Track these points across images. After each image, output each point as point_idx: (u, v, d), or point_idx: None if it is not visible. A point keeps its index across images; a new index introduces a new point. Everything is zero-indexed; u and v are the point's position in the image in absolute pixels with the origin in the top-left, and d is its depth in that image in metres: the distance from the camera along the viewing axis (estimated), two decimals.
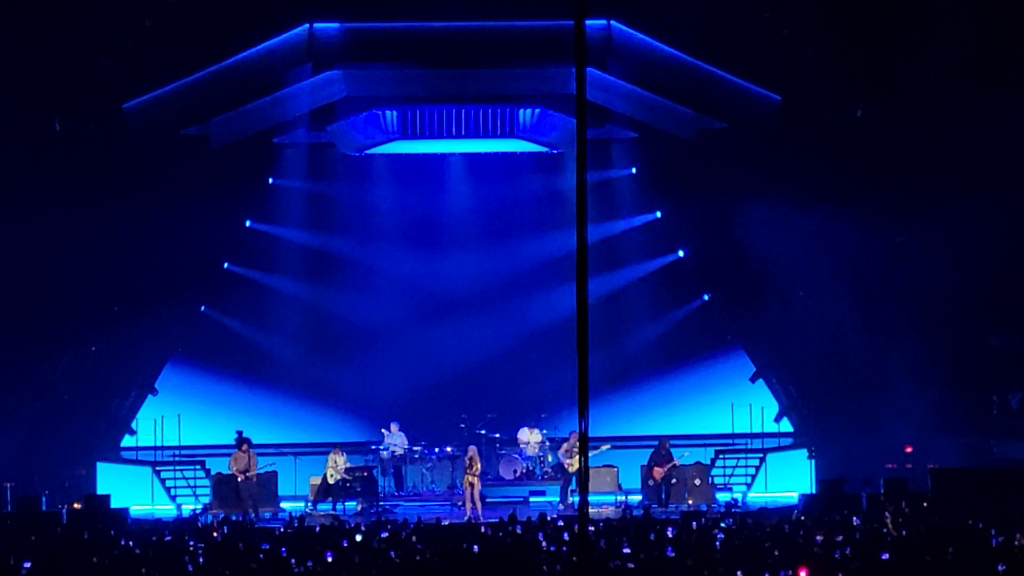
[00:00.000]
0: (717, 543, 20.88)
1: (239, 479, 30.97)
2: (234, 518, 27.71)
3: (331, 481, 31.57)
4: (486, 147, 34.30)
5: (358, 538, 21.94)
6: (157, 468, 33.66)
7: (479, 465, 30.25)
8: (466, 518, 28.75)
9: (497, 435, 33.79)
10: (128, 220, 32.42)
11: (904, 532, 22.14)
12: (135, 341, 34.07)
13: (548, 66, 31.42)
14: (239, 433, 31.80)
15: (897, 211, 32.35)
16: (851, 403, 33.70)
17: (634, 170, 35.86)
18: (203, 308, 35.46)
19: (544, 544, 20.98)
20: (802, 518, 25.12)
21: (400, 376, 35.24)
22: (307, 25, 31.24)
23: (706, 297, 36.13)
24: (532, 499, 32.36)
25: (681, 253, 35.88)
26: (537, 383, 34.27)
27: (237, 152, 33.62)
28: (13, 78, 29.67)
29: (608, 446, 31.96)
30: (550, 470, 32.99)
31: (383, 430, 33.21)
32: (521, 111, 32.73)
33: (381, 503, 31.70)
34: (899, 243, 32.86)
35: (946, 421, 32.22)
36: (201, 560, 20.23)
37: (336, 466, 31.62)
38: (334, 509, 31.14)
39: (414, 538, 22.00)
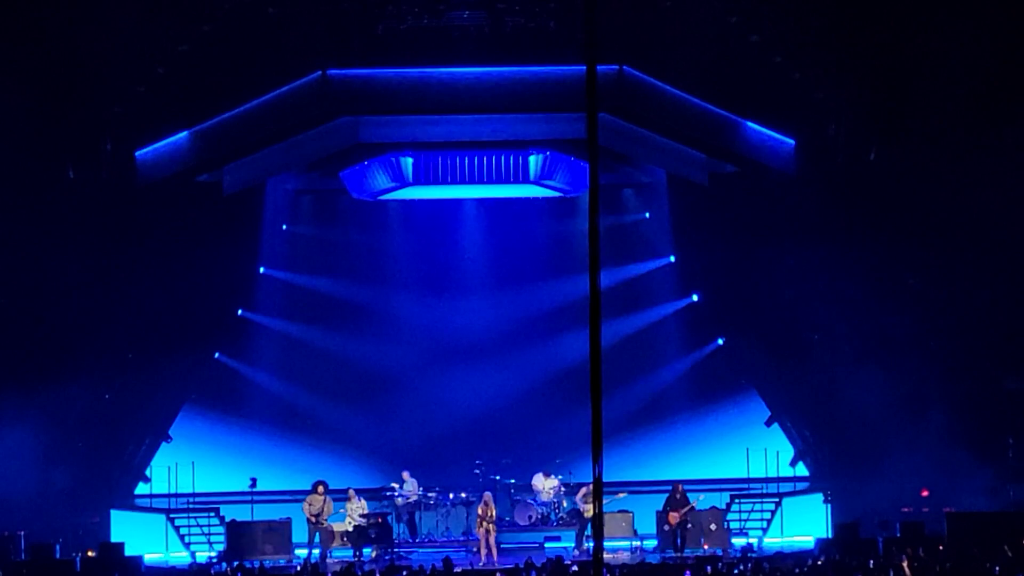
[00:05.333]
0: None
1: (314, 522, 30.91)
2: (248, 565, 27.59)
3: (349, 527, 31.41)
4: (499, 192, 34.31)
5: None
6: (171, 516, 33.58)
7: (494, 511, 30.12)
8: (481, 564, 28.62)
9: (512, 481, 33.65)
10: (142, 267, 32.46)
11: None
12: (149, 388, 34.06)
13: (561, 111, 31.44)
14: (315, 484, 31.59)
15: (911, 254, 32.26)
16: (867, 447, 33.51)
17: (647, 215, 35.94)
18: (217, 355, 35.46)
19: None
20: (819, 562, 24.97)
21: (414, 422, 35.22)
22: (320, 72, 31.34)
23: (720, 341, 36.04)
24: (547, 545, 32.20)
25: (695, 297, 35.83)
26: (551, 428, 34.19)
27: (250, 198, 33.71)
28: (27, 126, 29.75)
29: (624, 494, 31.82)
30: (565, 516, 32.84)
31: (393, 484, 33.03)
32: (534, 156, 32.72)
33: (396, 550, 31.55)
34: (913, 286, 32.75)
35: (962, 465, 32.03)
36: None
37: (352, 512, 31.50)
38: (355, 556, 30.92)
39: None
